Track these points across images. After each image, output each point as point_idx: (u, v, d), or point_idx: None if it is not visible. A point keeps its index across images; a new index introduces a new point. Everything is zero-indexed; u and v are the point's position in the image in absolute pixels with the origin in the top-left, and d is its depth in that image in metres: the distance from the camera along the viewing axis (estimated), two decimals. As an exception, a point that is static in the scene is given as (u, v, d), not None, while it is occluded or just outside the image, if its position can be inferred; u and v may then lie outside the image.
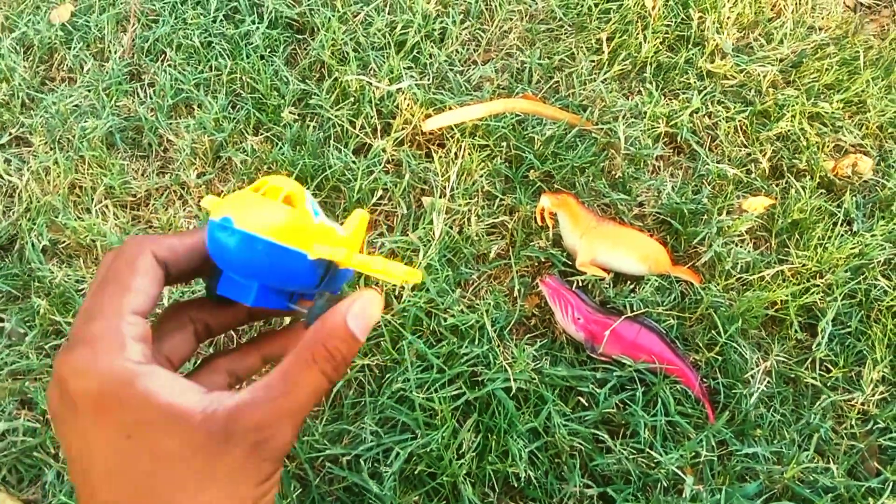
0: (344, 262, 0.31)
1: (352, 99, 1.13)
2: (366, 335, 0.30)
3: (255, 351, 0.35)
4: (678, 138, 1.15)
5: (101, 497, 0.27)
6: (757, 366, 0.93)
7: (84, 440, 0.27)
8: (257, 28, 1.22)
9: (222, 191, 1.07)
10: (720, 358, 0.93)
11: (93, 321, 0.28)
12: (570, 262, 1.00)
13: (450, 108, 1.12)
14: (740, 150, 1.15)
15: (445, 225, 1.00)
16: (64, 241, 1.01)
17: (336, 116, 1.11)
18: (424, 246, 0.98)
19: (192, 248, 0.32)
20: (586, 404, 0.89)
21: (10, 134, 1.12)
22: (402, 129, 1.11)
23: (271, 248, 0.30)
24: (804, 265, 1.01)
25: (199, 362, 0.35)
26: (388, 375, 0.88)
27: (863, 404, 0.92)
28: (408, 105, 1.12)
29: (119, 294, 0.29)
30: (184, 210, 1.05)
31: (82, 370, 0.27)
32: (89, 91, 1.16)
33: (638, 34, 1.25)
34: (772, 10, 1.35)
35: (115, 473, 0.27)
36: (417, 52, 1.21)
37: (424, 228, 1.00)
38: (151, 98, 1.16)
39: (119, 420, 0.27)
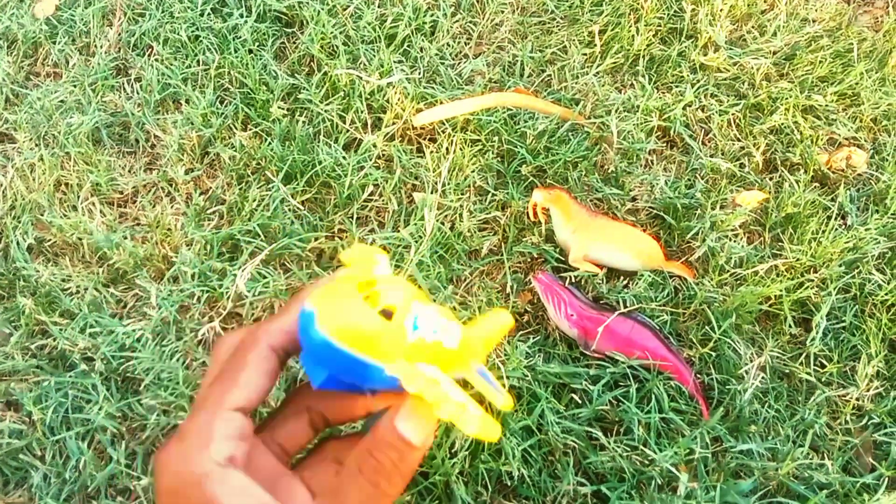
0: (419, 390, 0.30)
1: (342, 93, 1.12)
2: (422, 439, 0.29)
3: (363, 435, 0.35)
4: (671, 132, 1.14)
5: None
6: (751, 361, 0.93)
7: None
8: (245, 22, 1.20)
9: (210, 187, 1.05)
10: (714, 354, 0.92)
11: (193, 416, 0.28)
12: (562, 258, 0.99)
13: (441, 103, 1.11)
14: (734, 144, 1.14)
15: (437, 221, 0.99)
16: (50, 240, 1.00)
17: (326, 111, 1.10)
18: (416, 242, 0.97)
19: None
20: (579, 401, 0.88)
21: (-6, 130, 1.11)
22: (393, 123, 1.10)
23: (345, 358, 0.29)
24: (798, 260, 1.00)
25: (312, 448, 0.35)
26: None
27: (857, 399, 0.91)
28: (398, 99, 1.10)
29: (224, 390, 0.29)
30: (171, 207, 1.04)
31: (165, 465, 0.27)
32: (75, 86, 1.14)
33: (630, 27, 1.24)
34: (765, 1, 1.34)
35: None
36: (408, 46, 1.20)
37: (416, 224, 0.99)
38: (138, 93, 1.15)
39: None
